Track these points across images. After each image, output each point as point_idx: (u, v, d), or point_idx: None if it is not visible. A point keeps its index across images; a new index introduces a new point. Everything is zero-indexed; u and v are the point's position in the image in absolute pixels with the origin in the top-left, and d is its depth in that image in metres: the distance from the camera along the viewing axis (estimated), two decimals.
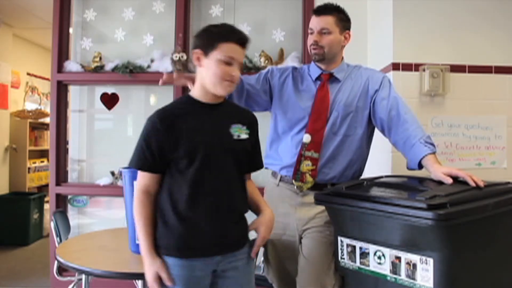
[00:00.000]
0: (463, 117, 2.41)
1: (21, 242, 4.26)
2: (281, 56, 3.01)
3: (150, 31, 3.13)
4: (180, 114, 1.36)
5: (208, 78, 1.36)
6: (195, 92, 1.42)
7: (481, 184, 1.45)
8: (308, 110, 1.77)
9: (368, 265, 1.49)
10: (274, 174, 1.86)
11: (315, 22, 1.77)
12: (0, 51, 4.67)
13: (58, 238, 2.27)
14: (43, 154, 5.67)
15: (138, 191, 1.36)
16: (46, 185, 4.87)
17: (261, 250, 1.64)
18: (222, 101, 1.44)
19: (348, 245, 1.55)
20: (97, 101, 3.22)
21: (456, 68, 2.39)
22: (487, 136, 2.42)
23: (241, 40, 1.36)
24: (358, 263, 1.52)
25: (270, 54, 2.98)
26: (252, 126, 1.47)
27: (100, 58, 3.09)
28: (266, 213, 1.49)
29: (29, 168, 5.22)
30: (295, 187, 1.76)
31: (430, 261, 1.31)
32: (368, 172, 1.88)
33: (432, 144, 1.64)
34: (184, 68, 2.79)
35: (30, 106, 5.47)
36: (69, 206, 3.19)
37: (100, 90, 3.21)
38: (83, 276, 1.91)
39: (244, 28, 2.99)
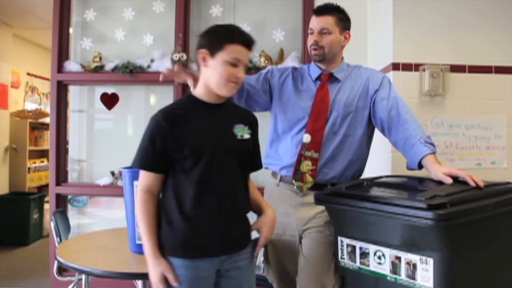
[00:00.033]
0: (463, 117, 2.41)
1: (21, 242, 4.26)
2: (281, 56, 3.01)
3: (150, 31, 3.13)
4: (183, 113, 1.36)
5: (213, 79, 1.35)
6: (198, 91, 1.41)
7: (481, 184, 1.45)
8: (308, 110, 1.77)
9: (368, 265, 1.49)
10: (274, 174, 1.86)
11: (315, 22, 1.77)
12: (0, 51, 4.67)
13: (58, 238, 2.28)
14: (43, 154, 5.67)
15: (141, 191, 1.35)
16: (46, 185, 4.87)
17: (261, 250, 1.64)
18: (224, 101, 1.44)
19: (348, 245, 1.55)
20: (97, 101, 3.22)
21: (456, 68, 2.39)
22: (487, 136, 2.42)
23: (248, 42, 1.37)
24: (358, 263, 1.52)
25: (270, 54, 2.98)
26: (253, 126, 1.47)
27: (100, 58, 3.09)
28: (268, 213, 1.49)
29: (29, 168, 5.22)
30: (295, 187, 1.76)
31: (430, 261, 1.31)
32: (368, 172, 1.88)
33: (432, 144, 1.64)
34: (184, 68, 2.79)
35: (30, 106, 5.47)
36: (69, 206, 3.19)
37: (100, 90, 3.21)
38: (83, 276, 1.91)
39: (244, 28, 2.96)
